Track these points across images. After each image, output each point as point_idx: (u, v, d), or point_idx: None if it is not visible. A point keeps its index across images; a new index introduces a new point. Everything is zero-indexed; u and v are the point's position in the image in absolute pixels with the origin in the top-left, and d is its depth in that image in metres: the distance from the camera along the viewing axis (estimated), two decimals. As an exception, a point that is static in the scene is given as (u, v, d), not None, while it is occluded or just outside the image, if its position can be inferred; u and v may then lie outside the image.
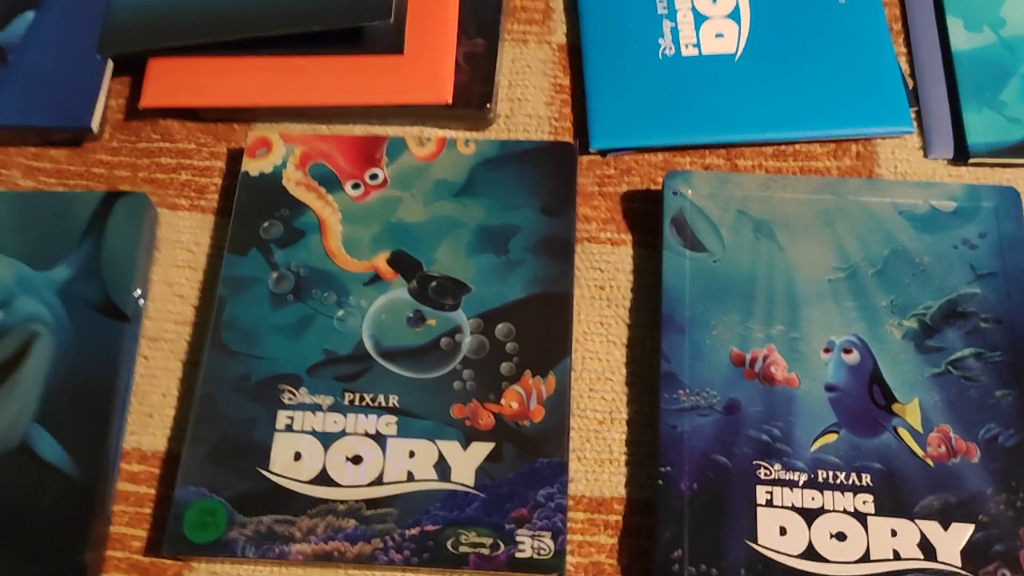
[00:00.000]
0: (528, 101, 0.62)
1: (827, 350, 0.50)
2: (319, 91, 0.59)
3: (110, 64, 0.62)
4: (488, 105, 0.59)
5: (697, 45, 0.61)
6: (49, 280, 0.53)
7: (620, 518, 0.50)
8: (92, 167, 0.60)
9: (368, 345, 0.52)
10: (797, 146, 0.59)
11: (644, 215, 0.58)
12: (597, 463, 0.51)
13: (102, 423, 0.50)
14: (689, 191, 0.55)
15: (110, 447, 0.50)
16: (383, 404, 0.50)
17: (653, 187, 0.59)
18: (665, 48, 0.61)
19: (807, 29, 0.61)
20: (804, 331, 0.51)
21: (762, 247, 0.53)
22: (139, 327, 0.54)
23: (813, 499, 0.47)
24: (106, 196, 0.56)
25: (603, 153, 0.59)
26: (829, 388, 0.49)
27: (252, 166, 0.57)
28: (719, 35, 0.61)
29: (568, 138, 0.60)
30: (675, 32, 0.62)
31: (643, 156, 0.60)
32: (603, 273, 0.56)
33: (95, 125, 0.60)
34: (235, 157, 0.61)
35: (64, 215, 0.55)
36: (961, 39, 0.60)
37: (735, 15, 0.62)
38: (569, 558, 0.49)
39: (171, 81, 0.60)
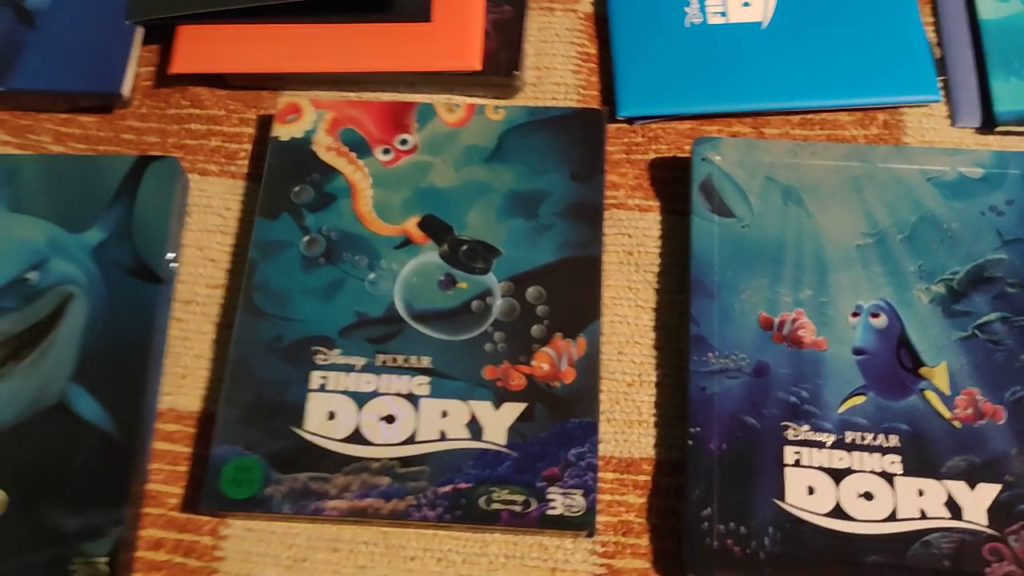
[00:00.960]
0: (555, 69, 0.62)
1: (855, 314, 0.51)
2: (348, 58, 0.60)
3: (140, 30, 0.62)
4: (516, 72, 0.60)
5: (724, 13, 0.61)
6: (82, 243, 0.54)
7: (649, 478, 0.51)
8: (121, 133, 0.61)
9: (400, 307, 0.52)
10: (824, 115, 0.60)
11: (671, 182, 0.58)
12: (626, 424, 0.52)
13: (138, 382, 0.51)
14: (717, 157, 0.55)
15: (146, 406, 0.51)
16: (415, 365, 0.51)
17: (680, 155, 0.59)
18: (692, 16, 0.61)
19: (834, -2, 0.61)
20: (832, 295, 0.51)
21: (790, 213, 0.54)
22: (171, 289, 0.55)
23: (841, 459, 0.48)
24: (137, 160, 0.56)
25: (630, 121, 0.60)
26: (857, 351, 0.50)
27: (282, 131, 0.58)
28: (746, 3, 0.61)
29: (595, 106, 0.61)
30: (702, 1, 0.62)
31: (670, 124, 0.60)
32: (631, 239, 0.56)
33: (125, 91, 0.60)
34: (264, 123, 0.61)
35: (96, 179, 0.56)
36: (988, 8, 0.61)
37: (762, -16, 0.62)
38: (598, 517, 0.49)
39: (200, 48, 0.61)
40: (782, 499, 0.47)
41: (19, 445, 0.49)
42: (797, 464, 0.48)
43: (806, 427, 0.49)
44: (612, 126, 0.60)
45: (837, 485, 0.47)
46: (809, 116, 0.60)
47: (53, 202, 0.55)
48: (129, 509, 0.49)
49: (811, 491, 0.47)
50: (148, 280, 0.53)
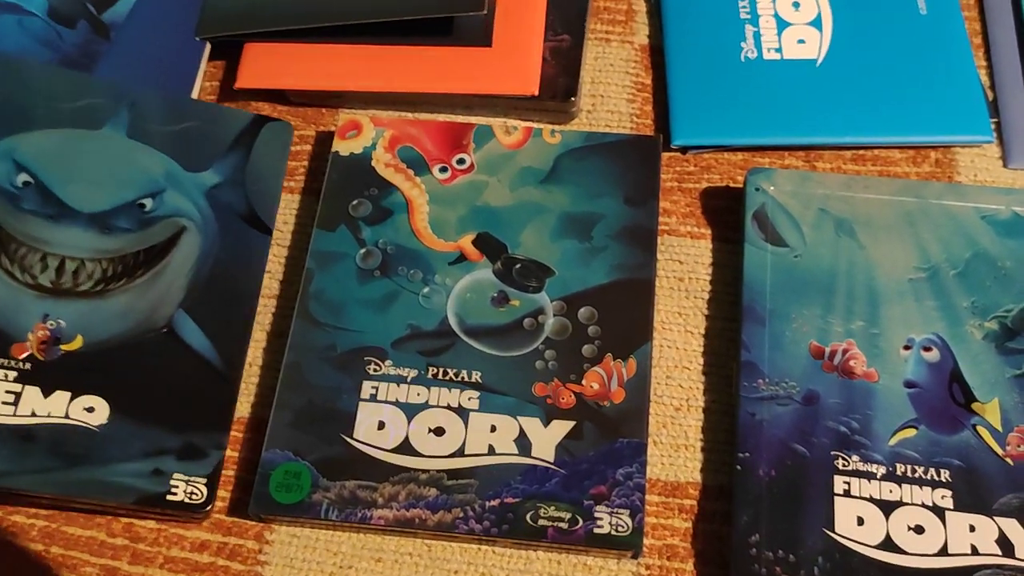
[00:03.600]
0: (610, 98, 0.63)
1: (907, 347, 0.51)
2: (409, 79, 0.61)
3: (207, 47, 0.64)
4: (572, 98, 0.61)
5: (779, 50, 0.62)
6: (198, 181, 0.56)
7: (695, 503, 0.50)
8: (185, 143, 0.62)
9: (452, 322, 0.53)
10: (876, 151, 0.60)
11: (723, 211, 0.59)
12: (673, 448, 0.52)
13: (242, 319, 0.53)
14: (771, 187, 0.56)
15: (246, 342, 0.53)
16: (466, 379, 0.51)
17: (732, 185, 0.59)
18: (747, 51, 0.62)
19: (888, 37, 0.62)
20: (884, 327, 0.51)
21: (843, 244, 0.54)
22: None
23: (891, 492, 0.47)
24: (255, 118, 0.59)
25: (684, 150, 0.61)
26: (908, 384, 0.50)
27: (342, 146, 0.59)
28: (801, 41, 0.62)
29: (649, 134, 0.62)
30: (757, 36, 0.63)
31: (722, 155, 0.61)
32: (683, 265, 0.57)
33: (192, 102, 0.62)
34: (323, 140, 0.62)
35: (213, 126, 0.58)
36: (1043, 53, 0.61)
37: (817, 23, 0.63)
38: (643, 540, 0.49)
39: (265, 64, 0.62)
40: (832, 529, 0.47)
41: (127, 359, 0.51)
42: (847, 494, 0.48)
43: (856, 457, 0.48)
44: (665, 155, 0.60)
45: (887, 517, 0.47)
46: (861, 152, 0.60)
47: (172, 139, 0.57)
48: (227, 435, 0.50)
49: (860, 522, 0.47)
50: (257, 228, 0.55)
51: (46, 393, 0.50)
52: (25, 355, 0.50)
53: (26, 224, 0.53)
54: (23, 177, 0.54)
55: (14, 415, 0.49)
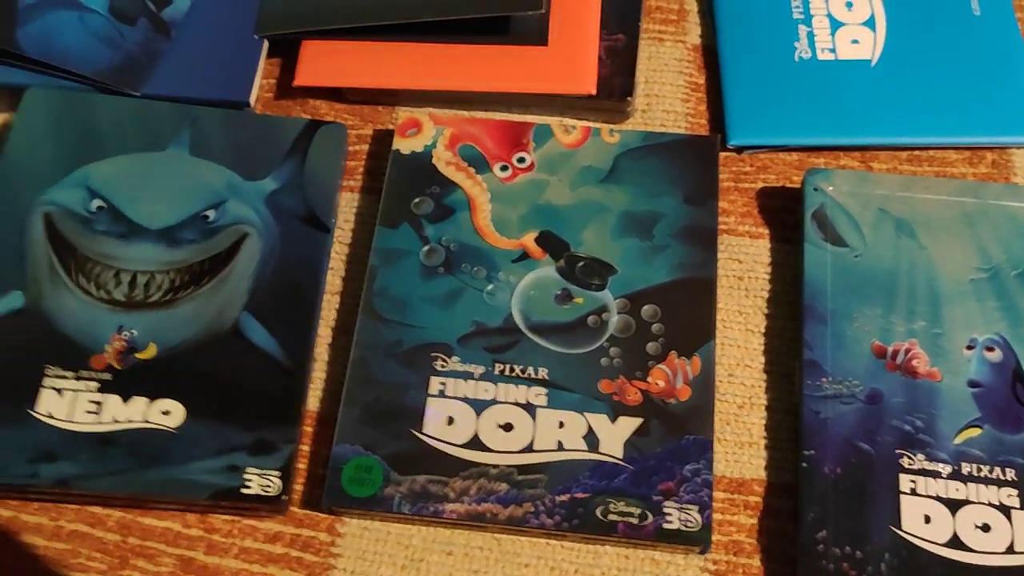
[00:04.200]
0: (664, 97, 0.64)
1: (969, 347, 0.51)
2: (466, 77, 0.62)
3: (265, 44, 0.64)
4: (629, 98, 0.61)
5: (833, 50, 0.63)
6: (257, 189, 0.58)
7: (760, 499, 0.51)
8: (243, 140, 0.63)
9: (517, 319, 0.54)
10: (932, 152, 0.61)
11: (781, 211, 0.59)
12: (737, 445, 0.52)
13: (306, 317, 0.55)
14: (830, 188, 0.56)
15: (311, 339, 0.54)
16: (532, 376, 0.52)
17: (788, 185, 0.60)
18: (801, 51, 0.63)
19: (942, 38, 0.62)
20: (946, 327, 0.52)
21: (903, 245, 0.54)
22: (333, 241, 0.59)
23: (957, 490, 0.48)
24: (309, 123, 0.60)
25: (739, 150, 0.61)
26: (972, 384, 0.51)
27: (403, 144, 0.60)
28: (855, 41, 0.63)
29: (703, 134, 0.62)
30: (811, 36, 0.63)
31: (778, 155, 0.61)
32: (742, 264, 0.58)
33: (252, 100, 0.62)
34: (380, 138, 0.63)
35: (270, 135, 0.60)
36: (1098, 55, 0.62)
37: (870, 23, 0.64)
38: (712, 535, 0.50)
39: (323, 62, 0.63)
40: (898, 526, 0.47)
41: (198, 362, 0.53)
42: (913, 492, 0.48)
43: (921, 456, 0.49)
44: (721, 154, 0.61)
45: (953, 515, 0.48)
46: (917, 152, 0.61)
47: (231, 152, 0.59)
48: (296, 428, 0.51)
49: (927, 520, 0.48)
50: (317, 228, 0.57)
51: (125, 400, 0.52)
52: (104, 366, 0.52)
53: (99, 244, 0.56)
54: (97, 202, 0.57)
55: (98, 422, 0.51)
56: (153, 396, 0.52)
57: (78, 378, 0.52)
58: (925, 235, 0.55)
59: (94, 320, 0.53)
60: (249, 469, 0.50)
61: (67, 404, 0.51)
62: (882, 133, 0.60)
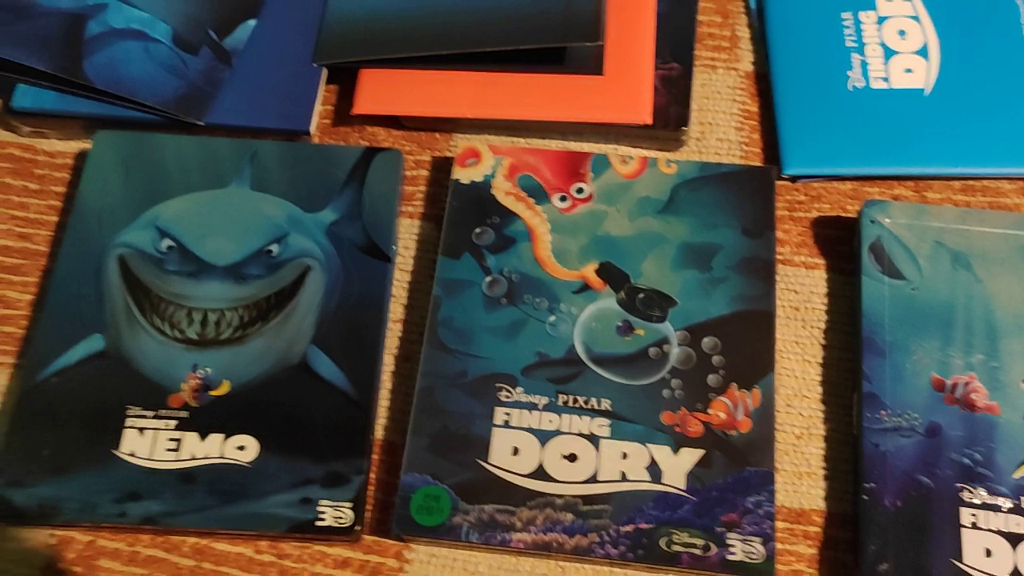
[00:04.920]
0: (718, 126, 0.65)
1: (1027, 381, 0.52)
2: (522, 106, 0.63)
3: (324, 72, 0.66)
4: (684, 127, 0.62)
5: (887, 79, 0.63)
6: (318, 221, 0.59)
7: (819, 530, 0.52)
8: (304, 168, 0.64)
9: (579, 350, 0.55)
10: (986, 182, 0.61)
11: (836, 241, 0.60)
12: (796, 476, 0.54)
13: (371, 347, 0.56)
14: (887, 220, 0.57)
15: (377, 369, 0.56)
16: (595, 407, 0.53)
17: (843, 214, 0.61)
18: (854, 80, 0.64)
19: (996, 67, 0.63)
20: (1004, 361, 0.53)
21: (960, 278, 0.55)
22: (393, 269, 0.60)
23: (1018, 524, 0.49)
24: (365, 151, 0.62)
25: (794, 179, 0.62)
26: (1030, 418, 0.51)
27: (463, 174, 0.61)
28: (908, 70, 0.64)
29: (757, 163, 0.63)
30: (864, 65, 0.64)
31: (832, 184, 0.62)
32: (798, 295, 0.58)
33: (312, 128, 0.64)
34: (439, 165, 0.64)
35: (328, 165, 0.61)
36: None
37: (923, 52, 0.64)
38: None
39: (381, 91, 0.64)
40: (959, 560, 0.48)
41: (269, 397, 0.54)
42: (974, 526, 0.49)
43: (982, 490, 0.50)
44: (775, 183, 0.62)
45: (1014, 549, 0.49)
46: (971, 182, 0.61)
47: (290, 184, 0.60)
48: (366, 460, 0.53)
49: (989, 554, 0.49)
50: (377, 257, 0.58)
51: (203, 437, 0.53)
52: (181, 404, 0.54)
53: (171, 284, 0.57)
54: (167, 242, 0.58)
55: (177, 459, 0.52)
56: (228, 432, 0.53)
57: (157, 417, 0.53)
58: (981, 268, 0.55)
59: (170, 359, 0.55)
60: (322, 501, 0.51)
61: (148, 443, 0.53)
62: (936, 163, 0.61)
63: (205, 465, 0.52)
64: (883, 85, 0.63)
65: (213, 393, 0.54)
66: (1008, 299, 0.54)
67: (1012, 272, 0.55)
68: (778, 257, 0.59)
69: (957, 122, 0.61)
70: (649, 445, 0.52)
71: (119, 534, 0.53)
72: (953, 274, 0.55)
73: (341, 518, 0.51)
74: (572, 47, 0.64)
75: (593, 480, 0.52)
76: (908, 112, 0.62)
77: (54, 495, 0.52)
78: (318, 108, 0.65)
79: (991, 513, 0.49)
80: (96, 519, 0.51)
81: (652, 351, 0.55)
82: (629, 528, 0.50)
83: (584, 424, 0.53)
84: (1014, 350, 0.53)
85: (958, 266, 0.56)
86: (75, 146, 0.65)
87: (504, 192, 0.60)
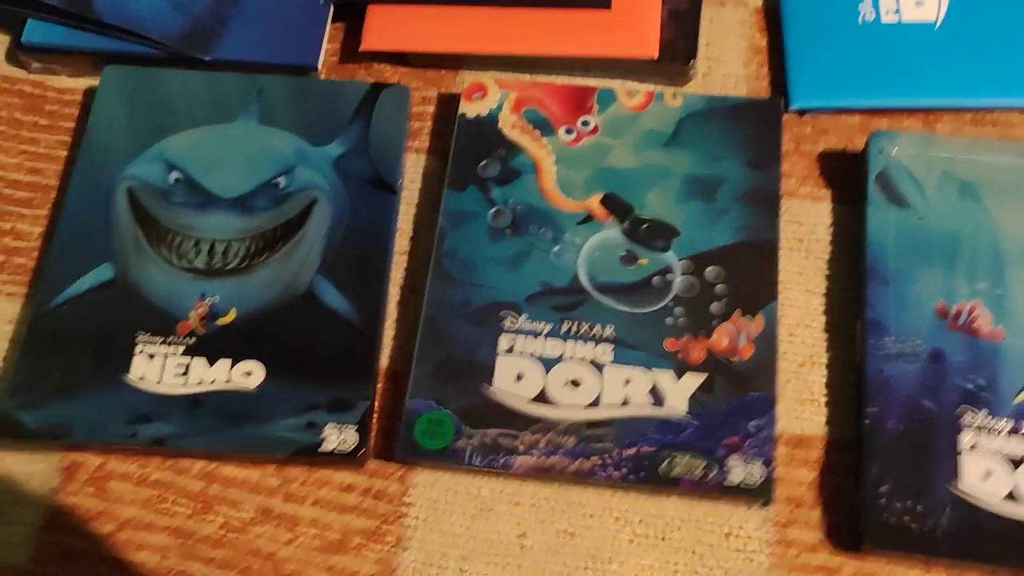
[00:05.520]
0: (726, 60, 0.64)
1: (1033, 308, 0.52)
2: (529, 41, 0.63)
3: (331, 8, 0.66)
4: (692, 61, 0.62)
5: (898, 11, 0.63)
6: (325, 154, 0.59)
7: (820, 454, 0.52)
8: (311, 105, 0.65)
9: (583, 279, 0.55)
10: (996, 114, 0.61)
11: (842, 174, 0.60)
12: (798, 403, 0.54)
13: (376, 277, 0.56)
14: (894, 150, 0.57)
15: (383, 299, 0.56)
16: (599, 334, 0.54)
17: (850, 147, 0.60)
18: (865, 14, 0.63)
19: (1007, 0, 0.62)
20: (1009, 289, 0.53)
21: (967, 207, 0.55)
22: (400, 201, 0.60)
23: (1018, 446, 0.49)
24: (372, 86, 0.62)
25: (801, 112, 0.62)
26: (1035, 344, 0.51)
27: (469, 108, 0.61)
28: (919, 3, 0.63)
29: (765, 97, 0.63)
30: (875, 0, 0.63)
31: (839, 117, 0.62)
32: (802, 226, 0.58)
33: (320, 64, 0.64)
34: (445, 101, 0.64)
35: (335, 100, 0.61)
36: None
37: (935, -16, 0.63)
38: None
39: (389, 27, 0.64)
40: (959, 482, 0.49)
41: (275, 325, 0.55)
42: (974, 449, 0.49)
43: (983, 414, 0.50)
44: (782, 117, 0.61)
45: (1014, 471, 0.49)
46: (981, 115, 0.61)
47: (297, 118, 0.61)
48: (371, 386, 0.54)
49: (987, 475, 0.49)
50: (383, 190, 0.59)
51: (211, 362, 0.54)
52: (188, 331, 0.55)
53: (178, 215, 0.58)
54: (175, 175, 0.59)
55: (186, 384, 0.53)
56: (235, 358, 0.54)
57: (166, 343, 0.54)
58: (989, 197, 0.55)
59: (178, 288, 0.56)
60: (328, 426, 0.52)
61: (157, 368, 0.54)
62: (945, 95, 0.60)
63: (212, 390, 0.53)
64: (893, 19, 0.63)
65: (220, 321, 0.55)
66: (1016, 228, 0.54)
67: (1021, 201, 0.55)
68: (784, 189, 0.59)
69: (967, 54, 0.61)
70: (652, 370, 0.53)
71: (130, 457, 0.54)
72: (960, 203, 0.55)
73: (346, 441, 0.52)
74: (579, -19, 0.63)
75: (596, 405, 0.52)
76: (918, 45, 0.61)
77: (65, 416, 0.52)
78: (325, 45, 0.65)
79: (991, 436, 0.49)
80: (107, 439, 0.52)
81: (655, 280, 0.55)
82: (631, 452, 0.51)
83: (587, 350, 0.53)
84: (1020, 278, 0.53)
85: (965, 196, 0.55)
86: (84, 83, 0.65)
87: (510, 125, 0.60)
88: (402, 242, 0.60)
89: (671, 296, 0.54)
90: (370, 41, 0.64)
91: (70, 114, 0.64)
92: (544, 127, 0.60)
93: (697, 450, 0.50)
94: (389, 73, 0.65)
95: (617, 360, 0.53)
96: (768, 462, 0.50)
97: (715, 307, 0.54)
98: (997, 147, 0.56)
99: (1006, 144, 0.56)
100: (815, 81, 0.61)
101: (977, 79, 0.60)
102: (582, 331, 0.54)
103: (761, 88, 0.63)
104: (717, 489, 0.50)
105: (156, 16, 0.64)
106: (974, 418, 0.50)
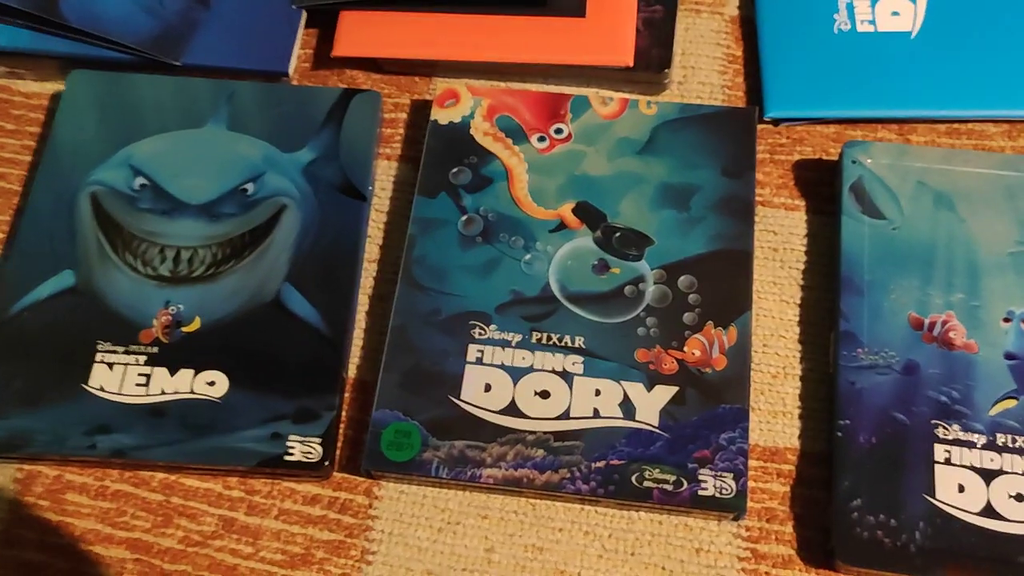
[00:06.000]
0: (701, 69, 0.64)
1: (1007, 319, 0.51)
2: (503, 48, 0.62)
3: (303, 14, 0.65)
4: (666, 70, 0.61)
5: (873, 22, 0.62)
6: (294, 161, 0.59)
7: (793, 468, 0.52)
8: (282, 110, 0.64)
9: (554, 288, 0.54)
10: (971, 125, 0.60)
11: (817, 183, 0.59)
12: (771, 415, 0.53)
13: (345, 285, 0.55)
14: (868, 160, 0.56)
15: (351, 307, 0.55)
16: (569, 344, 0.53)
17: (825, 157, 0.60)
18: (840, 23, 0.63)
19: (982, 11, 0.62)
20: (984, 300, 0.52)
21: (941, 217, 0.54)
22: (370, 209, 0.59)
23: (992, 460, 0.48)
24: (344, 92, 0.61)
25: (776, 122, 0.61)
26: (1009, 356, 0.51)
27: (441, 115, 0.60)
28: (895, 13, 0.63)
29: (740, 106, 0.62)
30: (850, 8, 0.63)
31: (815, 127, 0.61)
32: (777, 236, 0.58)
33: (291, 70, 0.63)
34: (417, 108, 0.64)
35: (306, 106, 0.61)
36: None
37: (911, -6, 0.63)
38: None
39: (361, 33, 0.63)
40: (932, 495, 0.48)
41: (240, 334, 0.54)
42: (947, 462, 0.49)
43: (956, 427, 0.49)
44: (758, 126, 0.61)
45: (988, 485, 0.48)
46: (956, 126, 0.60)
47: (267, 125, 0.60)
48: (338, 396, 0.53)
49: (961, 489, 0.48)
50: (354, 197, 0.58)
51: (172, 372, 0.53)
52: (152, 340, 0.54)
53: (144, 221, 0.57)
54: (140, 180, 0.58)
55: (147, 394, 0.52)
56: (198, 368, 0.53)
57: (127, 352, 0.53)
58: (964, 208, 0.55)
59: (142, 296, 0.55)
60: (292, 437, 0.51)
61: (118, 378, 0.53)
62: (920, 105, 0.60)
63: (175, 400, 0.52)
64: (869, 28, 0.62)
65: (185, 329, 0.54)
66: (990, 239, 0.54)
67: (995, 212, 0.54)
68: (758, 199, 0.59)
69: (943, 65, 0.60)
70: (623, 382, 0.52)
71: (87, 468, 0.53)
72: (935, 214, 0.55)
73: (310, 453, 0.51)
74: (555, -12, 0.63)
75: (565, 416, 0.51)
76: (894, 55, 0.61)
77: (24, 427, 0.51)
78: (297, 51, 0.64)
79: (965, 449, 0.49)
80: (65, 451, 0.51)
81: (628, 289, 0.54)
82: (601, 464, 0.50)
83: (557, 361, 0.52)
84: (994, 289, 0.52)
85: (940, 206, 0.55)
86: (51, 87, 0.64)
87: (482, 132, 0.59)
88: (372, 249, 0.59)
89: (643, 306, 0.54)
90: (342, 47, 0.63)
91: (36, 119, 0.63)
92: (517, 135, 0.59)
93: (667, 463, 0.50)
94: (362, 80, 0.65)
95: (587, 371, 0.52)
96: (740, 475, 0.49)
97: (688, 317, 0.53)
98: (972, 157, 0.56)
99: (981, 155, 0.56)
100: (790, 91, 0.61)
101: (952, 89, 0.60)
102: (552, 341, 0.53)
103: (736, 97, 0.63)
104: (688, 502, 0.49)
105: (124, 19, 0.63)
106: (947, 432, 0.49)
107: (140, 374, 0.53)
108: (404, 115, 0.63)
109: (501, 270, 0.55)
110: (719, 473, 0.49)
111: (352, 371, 0.55)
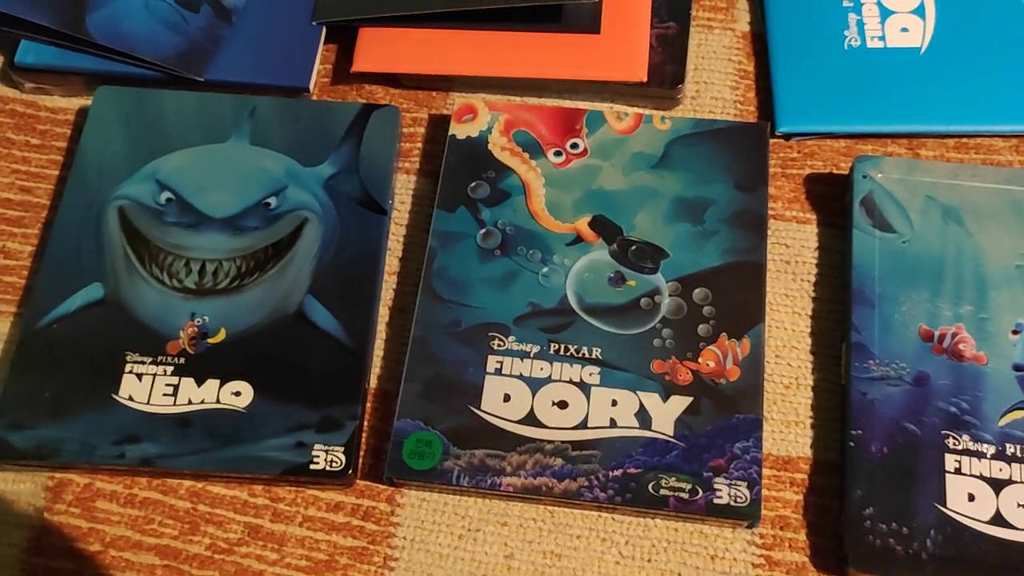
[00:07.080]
0: (713, 84, 0.65)
1: (1015, 331, 0.53)
2: (519, 64, 0.63)
3: (323, 30, 0.66)
4: (680, 85, 0.63)
5: (883, 38, 0.64)
6: (315, 175, 0.60)
7: (806, 476, 0.53)
8: (302, 125, 0.65)
9: (572, 300, 0.56)
10: (979, 140, 0.61)
11: (828, 197, 0.60)
12: (784, 424, 0.54)
13: (366, 297, 0.57)
14: (879, 175, 0.57)
15: (372, 319, 0.57)
16: (586, 355, 0.54)
17: (836, 171, 0.61)
18: (851, 39, 0.64)
19: (991, 26, 0.63)
20: (992, 312, 0.53)
21: (951, 231, 0.55)
22: (390, 222, 0.61)
23: (1001, 470, 0.50)
24: (363, 107, 0.62)
25: (787, 137, 0.62)
26: (1018, 368, 0.52)
27: (459, 130, 0.61)
28: (904, 29, 0.64)
29: (752, 121, 0.63)
30: (860, 24, 0.64)
31: (825, 142, 0.62)
32: (789, 249, 0.59)
33: (311, 85, 0.64)
34: (436, 122, 0.65)
35: (326, 121, 0.62)
36: None
37: (920, 11, 0.64)
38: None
39: (380, 49, 0.65)
40: (943, 504, 0.49)
41: (265, 345, 0.55)
42: (958, 472, 0.50)
43: (966, 437, 0.50)
44: (769, 141, 0.62)
45: (997, 495, 0.49)
46: (964, 140, 0.61)
47: (289, 139, 0.61)
48: (360, 406, 0.54)
49: (971, 498, 0.49)
50: (374, 210, 0.59)
51: (199, 383, 0.54)
52: (178, 351, 0.55)
53: (170, 235, 0.58)
54: (166, 195, 0.59)
55: (174, 404, 0.53)
56: (224, 378, 0.54)
57: (155, 363, 0.54)
58: (973, 222, 0.56)
59: (168, 308, 0.56)
60: (316, 446, 0.52)
61: (146, 388, 0.54)
62: (930, 121, 0.61)
63: (201, 410, 0.53)
64: (879, 44, 0.63)
65: (210, 341, 0.55)
66: (998, 252, 0.55)
67: (1003, 225, 0.55)
68: (770, 212, 0.60)
69: (952, 80, 0.62)
70: (639, 392, 0.53)
71: (117, 476, 0.54)
72: (944, 228, 0.56)
73: (334, 462, 0.52)
74: (569, 5, 0.64)
75: (583, 426, 0.52)
76: (903, 71, 0.62)
77: (54, 436, 0.53)
78: (317, 66, 0.65)
79: (974, 459, 0.50)
80: (95, 460, 0.52)
81: (643, 301, 0.55)
82: (617, 473, 0.51)
83: (575, 372, 0.54)
84: (1003, 302, 0.53)
85: (949, 220, 0.56)
86: (77, 103, 0.66)
87: (500, 147, 0.61)
88: (392, 262, 0.60)
89: (659, 318, 0.55)
90: (362, 63, 0.65)
91: (62, 134, 0.65)
92: (534, 149, 0.60)
93: (683, 471, 0.51)
94: (381, 94, 0.66)
95: (604, 382, 0.53)
96: (754, 484, 0.50)
97: (702, 329, 0.54)
98: (980, 172, 0.57)
99: (989, 169, 0.57)
100: (801, 106, 0.62)
101: (961, 105, 0.61)
102: (570, 352, 0.54)
103: (748, 112, 0.64)
104: (703, 511, 0.50)
105: (149, 36, 0.64)
106: (957, 443, 0.50)
107: (168, 384, 0.54)
108: (422, 129, 0.65)
109: (519, 282, 0.56)
110: (733, 482, 0.50)
111: (373, 381, 0.57)
